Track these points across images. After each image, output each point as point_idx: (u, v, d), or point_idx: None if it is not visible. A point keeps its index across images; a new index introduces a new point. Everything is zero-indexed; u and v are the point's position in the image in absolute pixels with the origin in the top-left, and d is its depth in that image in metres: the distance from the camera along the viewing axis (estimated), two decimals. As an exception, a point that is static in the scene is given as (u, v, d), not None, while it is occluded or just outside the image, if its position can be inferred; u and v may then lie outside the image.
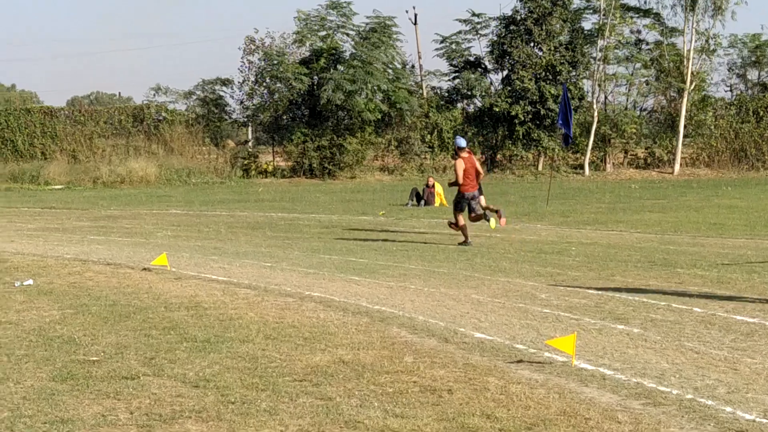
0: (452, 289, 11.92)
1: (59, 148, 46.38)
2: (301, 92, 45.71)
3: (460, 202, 17.53)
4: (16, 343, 8.77)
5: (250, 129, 50.69)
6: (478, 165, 17.75)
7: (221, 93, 48.22)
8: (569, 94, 26.23)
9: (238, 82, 47.76)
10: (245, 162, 46.17)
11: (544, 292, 11.56)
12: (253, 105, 47.61)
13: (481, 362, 7.96)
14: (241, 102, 48.00)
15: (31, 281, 12.52)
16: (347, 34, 46.54)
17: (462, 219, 17.46)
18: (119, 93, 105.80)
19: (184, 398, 6.85)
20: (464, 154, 17.60)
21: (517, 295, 11.36)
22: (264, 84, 47.07)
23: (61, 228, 21.58)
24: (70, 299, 11.21)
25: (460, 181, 17.41)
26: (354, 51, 45.66)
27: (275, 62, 45.77)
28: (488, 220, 17.65)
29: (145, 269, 13.86)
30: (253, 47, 47.41)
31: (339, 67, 45.53)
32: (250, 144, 49.85)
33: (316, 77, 45.73)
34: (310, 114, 46.51)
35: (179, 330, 9.26)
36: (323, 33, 46.38)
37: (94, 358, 8.08)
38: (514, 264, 14.36)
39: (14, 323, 9.73)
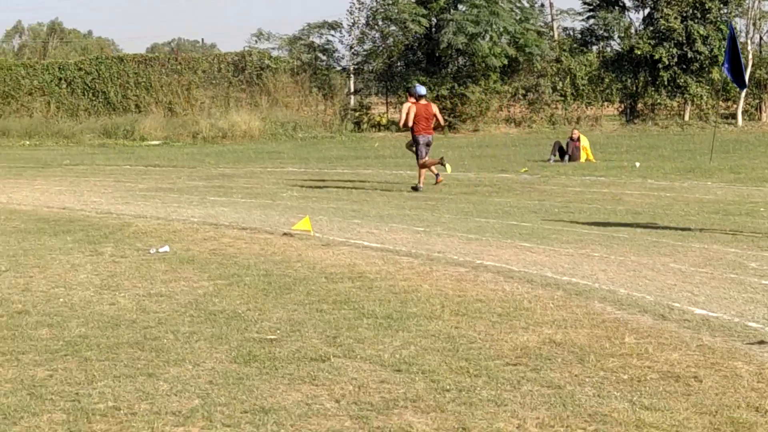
0: (643, 257, 11.49)
1: (154, 100, 46.74)
2: (418, 36, 45.27)
3: (417, 148, 20.50)
4: (177, 318, 8.62)
5: (351, 80, 50.21)
6: (436, 111, 21.02)
7: (329, 38, 48.06)
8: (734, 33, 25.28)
9: (348, 26, 47.60)
10: (356, 114, 45.99)
11: (753, 260, 11.07)
12: (364, 51, 47.36)
13: (717, 344, 7.56)
14: (351, 48, 47.79)
15: (167, 248, 12.44)
16: (469, -31, 45.88)
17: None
18: (202, 40, 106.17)
19: (390, 384, 6.60)
20: (423, 102, 20.72)
21: (722, 264, 10.89)
22: (376, 27, 46.77)
23: (174, 188, 21.61)
24: (216, 268, 11.08)
25: (408, 123, 20.54)
26: (477, -12, 45.02)
27: (389, 2, 45.34)
28: (444, 165, 20.34)
29: (285, 234, 13.70)
30: (364, -15, 47.09)
31: (460, 6, 44.94)
32: (359, 94, 49.52)
33: (434, 19, 45.20)
34: (427, 60, 46.09)
35: (352, 304, 9.03)
36: (443, -32, 45.80)
37: (271, 337, 7.88)
38: (703, 227, 13.84)
39: (166, 296, 9.61)
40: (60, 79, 47.48)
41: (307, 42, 48.16)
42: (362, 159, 30.57)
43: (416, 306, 8.95)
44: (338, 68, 48.58)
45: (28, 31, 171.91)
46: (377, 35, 46.94)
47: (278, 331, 8.06)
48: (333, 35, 47.95)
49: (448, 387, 6.51)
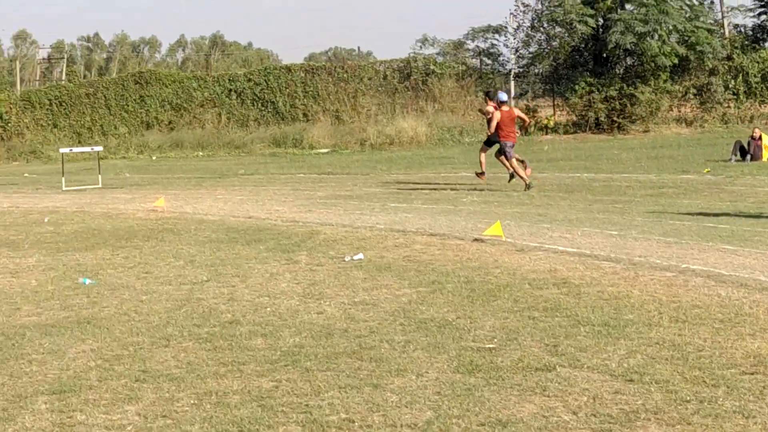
0: None
1: (321, 108, 47.17)
2: (585, 36, 44.59)
3: (505, 150, 21.55)
4: (388, 327, 8.52)
5: (512, 84, 49.65)
6: (519, 113, 22.88)
7: (493, 42, 47.79)
8: None
9: (512, 29, 47.25)
10: (522, 117, 45.51)
11: None
12: (530, 54, 46.92)
13: None
14: (516, 51, 47.42)
15: (361, 255, 12.40)
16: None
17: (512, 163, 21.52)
18: (358, 48, 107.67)
19: (625, 395, 6.35)
20: (505, 108, 21.85)
21: None
22: (541, 29, 46.30)
23: (353, 195, 21.67)
24: (414, 275, 10.97)
25: (491, 130, 21.93)
26: (645, -13, 44.10)
27: (555, 4, 44.80)
28: (526, 166, 21.78)
29: (477, 240, 13.53)
30: (528, -12, 46.63)
31: (628, 6, 44.07)
32: (527, 97, 49.07)
33: (601, 19, 44.46)
34: (594, 61, 45.39)
35: (564, 311, 8.79)
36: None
37: (490, 346, 7.70)
38: None
39: (371, 304, 9.53)
40: (230, 90, 48.34)
41: (471, 46, 48.03)
42: (534, 162, 30.13)
43: (632, 313, 8.66)
44: (503, 72, 48.25)
45: (191, 45, 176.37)
46: (542, 37, 46.45)
47: (495, 340, 7.88)
48: (497, 39, 47.75)
49: (687, 398, 6.23)
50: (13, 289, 11.13)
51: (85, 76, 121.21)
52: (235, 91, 48.30)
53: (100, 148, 29.03)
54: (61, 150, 28.49)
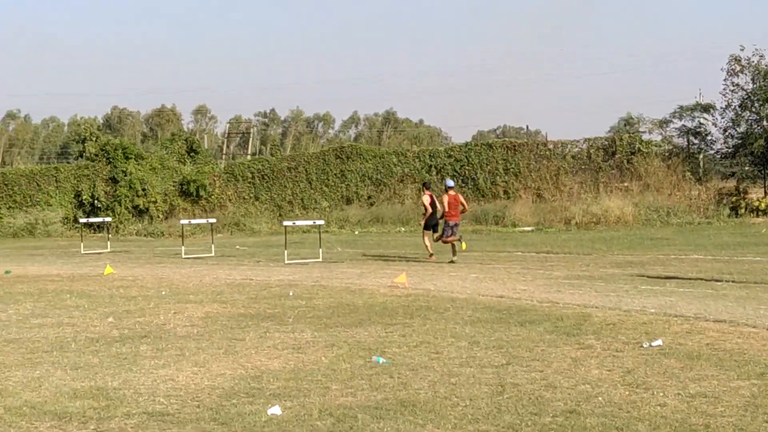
0: None
1: (523, 185, 46.67)
2: (800, 117, 43.09)
3: (444, 228, 26.32)
4: (754, 423, 7.81)
5: (725, 164, 48.24)
6: (462, 200, 26.95)
7: (701, 120, 46.56)
8: None
9: (721, 108, 46.04)
10: (733, 199, 44.12)
11: None
12: (739, 134, 45.54)
13: None
14: (725, 130, 46.11)
15: (660, 342, 11.70)
16: None
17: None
18: (527, 126, 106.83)
19: None
20: (452, 192, 26.64)
21: None
22: (752, 109, 44.91)
23: (594, 275, 20.95)
24: (735, 365, 10.22)
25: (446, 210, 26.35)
26: None
27: (766, 84, 43.48)
28: (461, 242, 26.06)
29: (773, 329, 12.69)
30: (738, 67, 45.39)
31: None
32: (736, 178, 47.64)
33: (817, 99, 42.94)
34: (809, 141, 43.77)
35: None
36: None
37: None
38: None
39: (710, 396, 8.84)
40: (430, 166, 48.27)
41: (678, 125, 46.95)
42: (752, 246, 28.93)
43: None
44: (711, 151, 46.97)
45: (364, 121, 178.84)
46: (753, 117, 45.05)
47: None
48: (706, 118, 46.50)
49: None
50: (308, 367, 10.79)
51: (260, 152, 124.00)
52: (435, 167, 48.21)
53: (321, 222, 29.01)
54: (285, 223, 28.57)
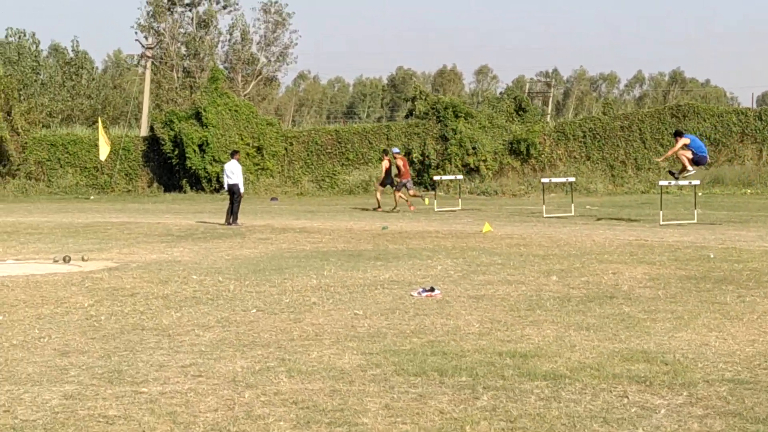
0: None
1: None
2: None
3: (404, 185, 34.55)
4: None
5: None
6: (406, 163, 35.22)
7: None
8: None
9: None
10: None
11: None
12: None
13: None
14: None
15: None
16: None
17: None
18: None
19: None
20: (401, 156, 35.59)
21: None
22: None
23: None
24: None
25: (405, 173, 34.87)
26: None
27: None
28: (423, 199, 37.02)
29: None
30: None
31: None
32: None
33: None
34: None
35: None
36: None
37: None
38: None
39: None
40: (774, 124, 46.29)
41: None
42: None
43: None
44: None
45: (648, 81, 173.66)
46: None
47: None
48: None
49: None
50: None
51: (543, 111, 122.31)
52: (779, 126, 46.16)
53: (697, 182, 28.03)
54: (661, 182, 27.81)
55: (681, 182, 27.88)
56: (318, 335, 10.46)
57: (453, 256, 18.33)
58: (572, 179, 35.74)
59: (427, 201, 34.19)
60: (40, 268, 17.57)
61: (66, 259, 18.39)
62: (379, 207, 35.03)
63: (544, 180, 33.56)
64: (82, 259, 18.56)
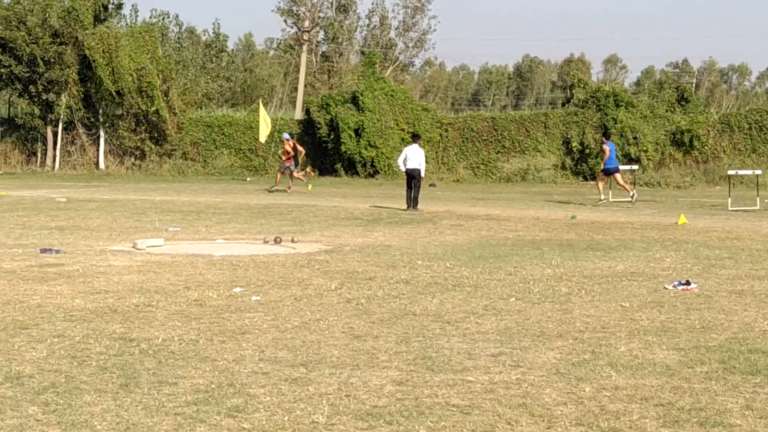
0: None
1: None
2: None
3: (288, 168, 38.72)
4: None
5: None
6: (298, 146, 39.32)
7: None
8: None
9: None
10: None
11: None
12: None
13: None
14: None
15: None
16: None
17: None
18: None
19: None
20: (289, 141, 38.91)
21: None
22: None
23: None
24: None
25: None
26: None
27: None
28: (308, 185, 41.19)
29: None
30: None
31: None
32: None
33: None
34: None
35: None
36: None
37: None
38: None
39: None
40: None
41: None
42: None
43: None
44: None
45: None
46: None
47: None
48: None
49: None
50: None
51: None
52: None
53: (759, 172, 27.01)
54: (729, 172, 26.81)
55: None
56: (604, 328, 10.09)
57: (672, 249, 17.81)
58: (759, 171, 34.67)
59: (310, 187, 39.47)
60: (254, 248, 17.56)
61: (277, 240, 18.36)
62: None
63: (731, 172, 32.69)
64: (292, 241, 18.51)
